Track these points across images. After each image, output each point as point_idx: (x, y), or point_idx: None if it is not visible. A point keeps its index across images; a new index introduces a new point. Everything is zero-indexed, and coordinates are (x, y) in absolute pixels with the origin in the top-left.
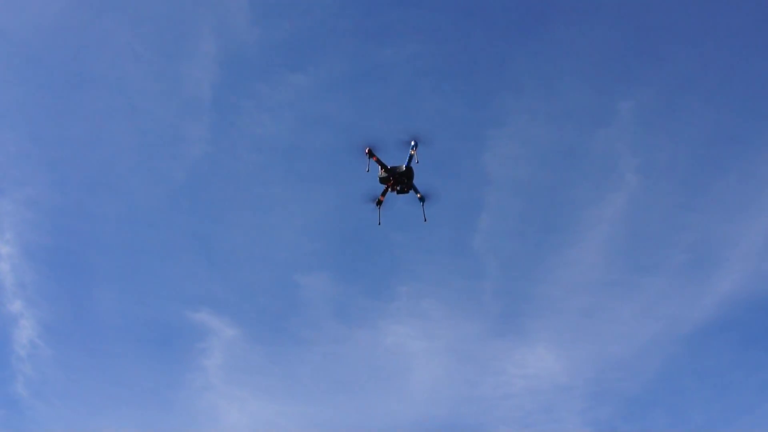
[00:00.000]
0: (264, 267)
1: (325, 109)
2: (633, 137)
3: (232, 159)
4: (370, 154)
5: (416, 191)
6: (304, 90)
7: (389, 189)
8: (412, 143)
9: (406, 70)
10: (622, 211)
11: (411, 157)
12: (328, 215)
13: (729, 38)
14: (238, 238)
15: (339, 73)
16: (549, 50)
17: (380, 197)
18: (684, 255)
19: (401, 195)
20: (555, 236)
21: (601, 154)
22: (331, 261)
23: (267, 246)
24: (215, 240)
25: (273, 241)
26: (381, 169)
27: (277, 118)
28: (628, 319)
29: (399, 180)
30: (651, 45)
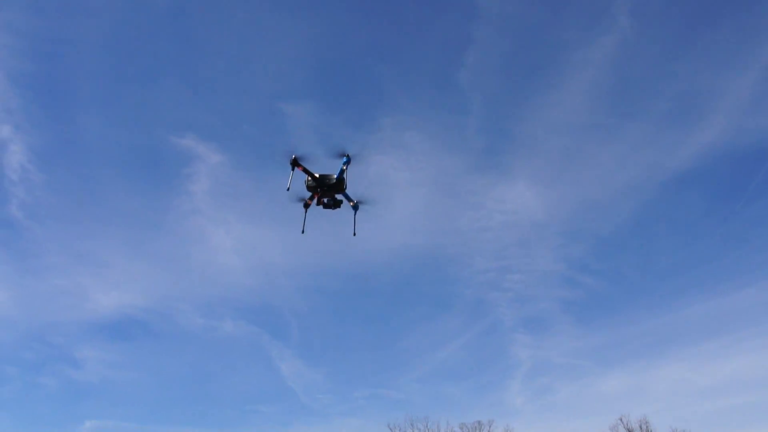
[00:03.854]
0: (249, 94)
1: None
2: None
3: None
4: (296, 163)
5: (349, 199)
6: None
7: (316, 199)
8: (345, 158)
9: None
10: (610, 55)
11: (342, 171)
12: (314, 44)
13: None
14: (223, 65)
15: None
16: None
17: (308, 200)
18: (669, 103)
19: (328, 209)
20: (541, 76)
21: None
22: (316, 90)
23: (252, 73)
24: (200, 67)
25: (257, 68)
26: (308, 177)
27: None
28: (608, 162)
29: (327, 192)
30: None
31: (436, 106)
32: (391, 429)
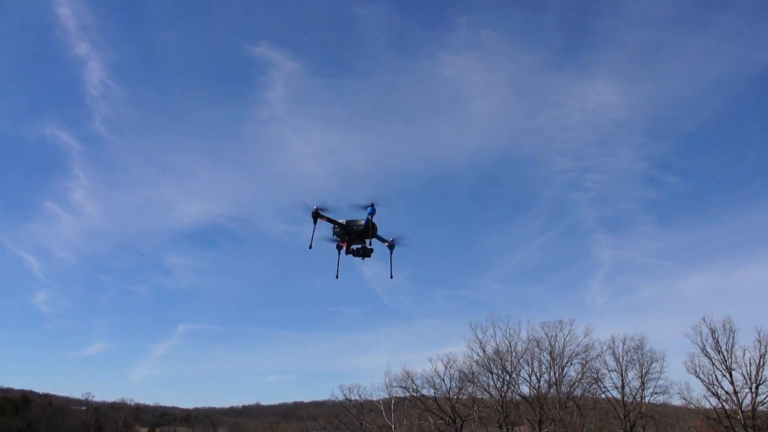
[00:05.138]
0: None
1: None
2: None
3: None
4: (318, 215)
5: (383, 240)
6: None
7: (345, 247)
8: (369, 208)
9: None
10: None
11: (368, 221)
12: None
13: None
14: None
15: None
16: None
17: (340, 242)
18: None
19: (360, 256)
20: None
21: None
22: None
23: None
24: None
25: None
26: (334, 225)
27: None
28: (694, 56)
29: (355, 239)
30: None
31: (512, 3)
32: (473, 328)
